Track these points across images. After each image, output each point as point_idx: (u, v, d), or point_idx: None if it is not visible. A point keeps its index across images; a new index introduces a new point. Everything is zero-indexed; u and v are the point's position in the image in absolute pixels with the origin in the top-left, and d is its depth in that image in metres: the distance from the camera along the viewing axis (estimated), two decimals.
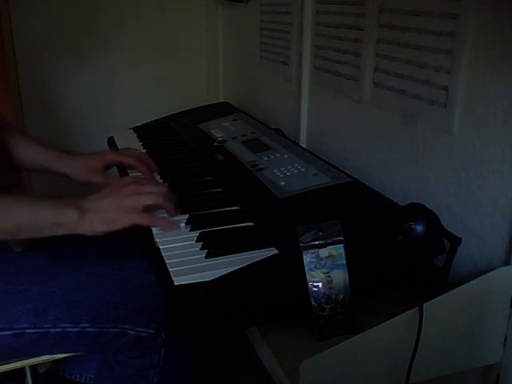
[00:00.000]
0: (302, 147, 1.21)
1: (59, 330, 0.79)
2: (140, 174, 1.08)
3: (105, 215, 0.80)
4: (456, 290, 0.68)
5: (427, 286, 0.72)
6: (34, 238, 0.84)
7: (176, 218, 0.86)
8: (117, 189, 0.84)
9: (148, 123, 1.55)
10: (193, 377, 0.90)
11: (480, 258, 0.82)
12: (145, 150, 1.25)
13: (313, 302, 0.69)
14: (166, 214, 0.87)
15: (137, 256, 0.91)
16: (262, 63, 1.57)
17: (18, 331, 0.78)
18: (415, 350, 0.66)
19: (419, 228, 0.74)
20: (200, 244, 0.79)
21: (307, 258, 0.70)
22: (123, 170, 1.11)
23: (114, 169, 1.14)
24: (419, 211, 0.76)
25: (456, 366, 0.74)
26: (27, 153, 1.07)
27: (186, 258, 0.76)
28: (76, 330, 0.79)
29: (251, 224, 0.86)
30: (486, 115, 0.78)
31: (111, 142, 1.38)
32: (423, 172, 0.92)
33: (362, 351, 0.65)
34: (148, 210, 0.84)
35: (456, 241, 0.74)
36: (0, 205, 0.79)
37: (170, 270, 0.73)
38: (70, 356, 0.88)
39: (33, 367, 0.95)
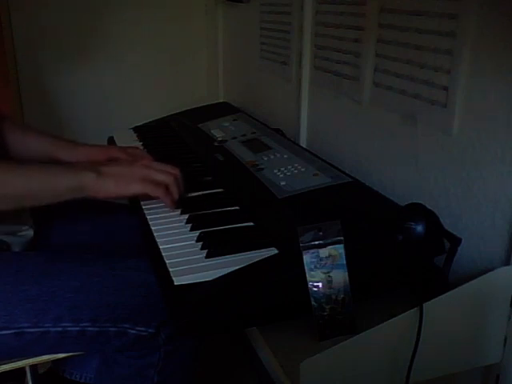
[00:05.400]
0: (302, 147, 1.21)
1: (59, 329, 0.79)
2: None
3: (118, 179, 0.85)
4: (456, 289, 0.68)
5: (427, 286, 0.72)
6: (53, 203, 0.86)
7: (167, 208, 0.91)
8: (133, 160, 0.93)
9: (148, 123, 1.55)
10: (193, 377, 0.91)
11: (480, 258, 0.82)
12: (145, 150, 1.25)
13: (313, 302, 0.69)
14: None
15: (137, 256, 0.91)
16: (262, 63, 1.57)
17: (18, 330, 0.78)
18: (415, 350, 0.66)
19: (419, 228, 0.74)
20: (200, 244, 0.79)
21: (307, 258, 0.70)
22: None
23: None
24: (419, 211, 0.76)
25: (456, 366, 0.74)
26: (28, 143, 1.07)
27: (186, 258, 0.76)
28: (76, 329, 0.79)
29: (251, 224, 0.86)
30: (486, 115, 0.78)
31: (111, 142, 1.39)
32: (423, 172, 0.92)
33: (362, 351, 0.66)
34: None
35: (456, 241, 0.74)
36: (17, 172, 0.81)
37: (170, 269, 0.73)
38: (70, 356, 0.88)
39: (33, 367, 0.95)
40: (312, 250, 0.70)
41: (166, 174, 0.89)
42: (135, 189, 0.86)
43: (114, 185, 0.85)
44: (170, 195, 0.89)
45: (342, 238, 0.70)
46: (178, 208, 0.92)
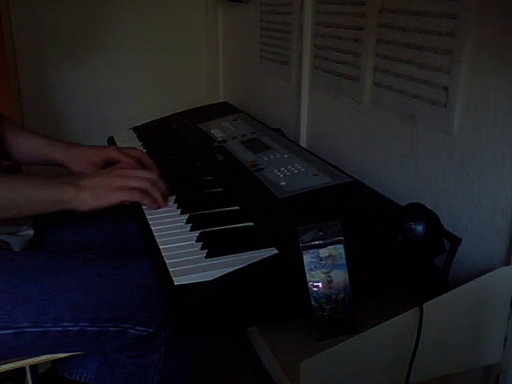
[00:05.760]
0: (302, 147, 1.21)
1: (59, 329, 0.79)
2: None
3: (95, 192, 0.86)
4: (456, 290, 0.68)
5: (427, 286, 0.72)
6: (33, 215, 0.90)
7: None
8: (110, 170, 0.93)
9: (148, 123, 1.55)
10: (193, 376, 0.91)
11: (480, 258, 0.82)
12: (145, 150, 1.25)
13: (313, 302, 0.69)
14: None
15: (137, 256, 0.91)
16: (261, 63, 1.57)
17: (18, 330, 0.78)
18: (415, 350, 0.66)
19: (419, 228, 0.74)
20: (200, 244, 0.79)
21: (307, 258, 0.70)
22: None
23: None
24: (419, 211, 0.76)
25: (456, 365, 0.74)
26: (24, 143, 1.07)
27: (186, 258, 0.76)
28: (76, 329, 0.80)
29: (251, 224, 0.86)
30: (486, 115, 0.78)
31: (111, 142, 1.39)
32: (423, 172, 0.92)
33: (362, 351, 0.65)
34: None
35: (456, 241, 0.74)
36: (0, 185, 0.82)
37: (169, 269, 0.73)
38: (70, 355, 0.88)
39: (33, 367, 0.95)
40: (312, 250, 0.70)
41: (141, 180, 0.90)
42: (113, 199, 0.87)
43: (91, 198, 0.86)
44: (150, 198, 0.91)
45: (342, 237, 0.70)
46: (178, 208, 0.92)
